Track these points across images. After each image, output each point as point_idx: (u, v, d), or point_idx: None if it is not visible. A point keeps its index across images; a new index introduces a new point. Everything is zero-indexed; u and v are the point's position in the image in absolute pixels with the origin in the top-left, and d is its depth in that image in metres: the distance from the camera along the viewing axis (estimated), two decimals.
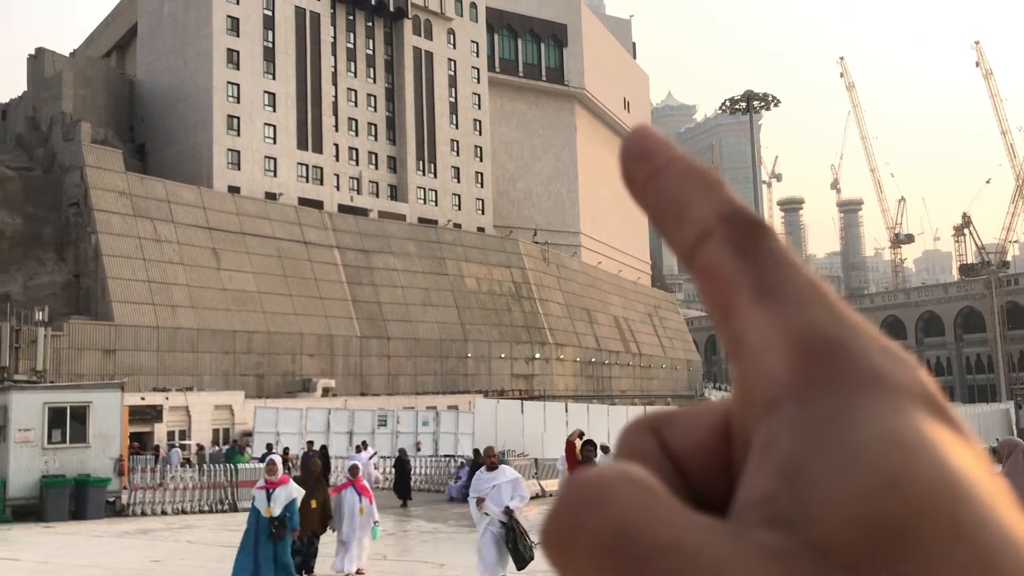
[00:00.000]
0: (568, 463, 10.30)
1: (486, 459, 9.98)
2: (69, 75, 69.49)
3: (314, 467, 11.79)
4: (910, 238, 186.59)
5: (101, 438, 20.71)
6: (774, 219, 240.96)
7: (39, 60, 71.06)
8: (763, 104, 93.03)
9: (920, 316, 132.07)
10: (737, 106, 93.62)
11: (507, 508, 9.44)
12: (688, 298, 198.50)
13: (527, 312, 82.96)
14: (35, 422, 20.00)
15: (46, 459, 19.96)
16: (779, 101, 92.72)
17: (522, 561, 9.49)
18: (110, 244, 57.31)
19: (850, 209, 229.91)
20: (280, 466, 10.56)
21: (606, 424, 32.55)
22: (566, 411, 33.19)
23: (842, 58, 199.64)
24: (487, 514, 9.44)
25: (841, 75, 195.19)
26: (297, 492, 10.50)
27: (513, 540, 9.39)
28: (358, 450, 29.22)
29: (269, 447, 29.76)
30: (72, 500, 19.86)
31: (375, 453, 31.48)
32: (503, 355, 77.98)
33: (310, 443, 31.83)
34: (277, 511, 10.13)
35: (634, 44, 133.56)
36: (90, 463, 20.39)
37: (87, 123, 63.05)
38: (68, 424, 20.33)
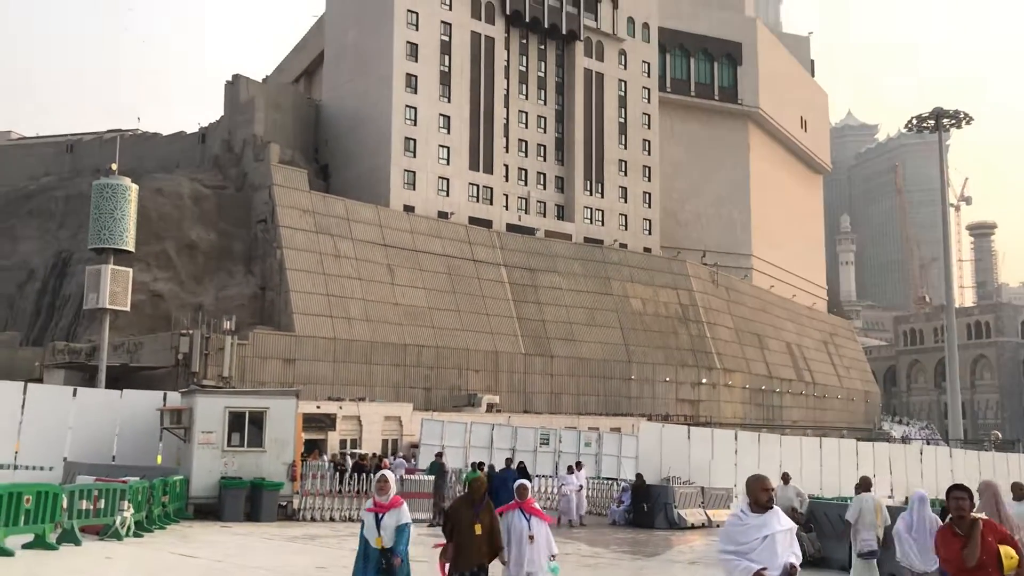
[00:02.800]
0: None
1: (756, 494, 6.69)
2: (261, 100, 73.93)
3: (478, 486, 9.52)
4: None
5: (276, 443, 21.53)
6: (962, 244, 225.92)
7: (235, 86, 75.99)
8: (954, 122, 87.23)
9: None
10: (925, 124, 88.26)
11: (789, 567, 6.51)
12: (867, 325, 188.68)
13: (694, 335, 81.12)
14: (217, 425, 21.04)
15: (225, 461, 20.95)
16: (971, 119, 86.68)
17: None
18: (294, 259, 60.33)
19: None
20: (393, 485, 9.11)
21: (778, 456, 31.10)
22: (735, 439, 31.94)
23: None
24: None
25: None
26: (407, 517, 9.06)
27: None
28: (569, 471, 26.98)
29: (438, 452, 28.01)
30: (247, 502, 20.73)
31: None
32: (668, 379, 76.50)
33: (481, 464, 27.68)
34: (388, 541, 8.74)
35: (812, 62, 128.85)
36: (265, 467, 21.23)
37: (276, 145, 66.85)
38: (246, 429, 21.28)
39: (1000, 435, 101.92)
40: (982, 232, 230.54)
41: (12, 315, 69.92)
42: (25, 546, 13.76)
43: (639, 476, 27.14)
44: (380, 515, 8.82)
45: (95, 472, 19.33)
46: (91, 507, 15.96)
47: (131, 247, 45.91)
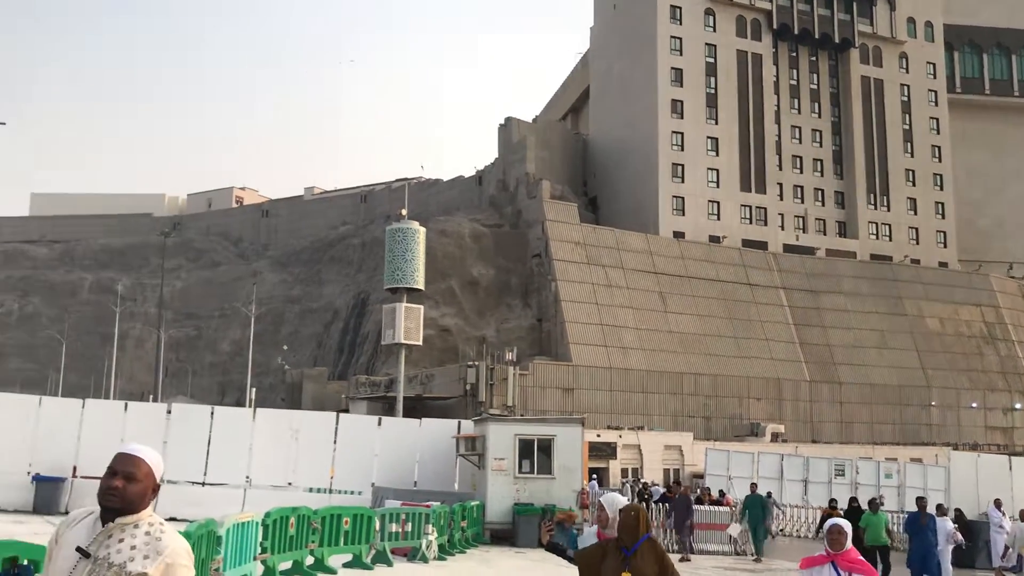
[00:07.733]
0: None
1: None
2: (532, 139, 76.66)
3: (628, 518, 5.71)
4: None
5: (564, 470, 21.78)
6: None
7: (507, 128, 79.38)
8: None
9: None
10: None
11: None
12: None
13: (1003, 356, 73.35)
14: (508, 452, 21.65)
15: (517, 487, 21.48)
16: None
17: None
18: (567, 291, 61.62)
19: None
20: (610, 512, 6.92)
21: None
22: None
23: None
24: None
25: None
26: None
27: None
28: (940, 512, 18.26)
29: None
30: (540, 528, 21.03)
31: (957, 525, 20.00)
32: (975, 404, 69.59)
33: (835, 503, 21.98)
34: None
35: None
36: (554, 493, 21.51)
37: (547, 181, 68.93)
38: (535, 456, 21.73)
39: None
40: None
41: (320, 352, 77.03)
42: (345, 565, 14.79)
43: (958, 511, 24.71)
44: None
45: (400, 497, 20.54)
46: (400, 530, 16.91)
47: (421, 286, 48.82)
